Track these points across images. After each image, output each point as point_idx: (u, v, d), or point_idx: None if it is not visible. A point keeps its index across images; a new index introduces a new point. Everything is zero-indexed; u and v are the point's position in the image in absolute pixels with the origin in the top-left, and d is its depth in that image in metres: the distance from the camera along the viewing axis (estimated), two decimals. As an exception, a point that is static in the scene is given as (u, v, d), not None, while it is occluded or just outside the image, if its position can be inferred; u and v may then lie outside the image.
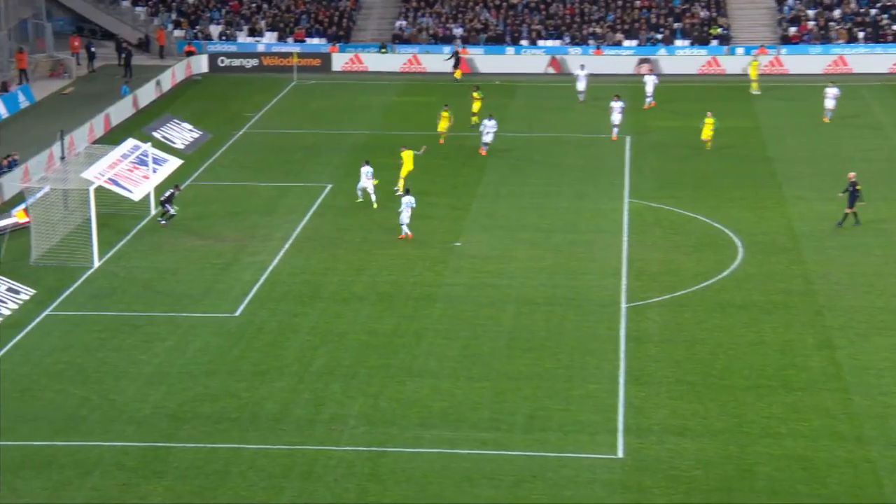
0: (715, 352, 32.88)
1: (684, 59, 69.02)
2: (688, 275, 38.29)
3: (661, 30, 71.03)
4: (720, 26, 71.09)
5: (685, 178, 49.04)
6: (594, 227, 43.00)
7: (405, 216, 40.84)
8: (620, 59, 68.84)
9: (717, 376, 31.46)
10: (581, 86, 59.35)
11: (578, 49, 69.76)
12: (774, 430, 28.69)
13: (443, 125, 52.79)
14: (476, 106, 55.29)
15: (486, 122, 51.00)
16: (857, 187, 41.65)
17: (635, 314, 35.27)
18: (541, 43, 70.95)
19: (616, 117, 53.53)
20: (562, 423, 28.91)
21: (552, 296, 36.54)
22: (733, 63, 68.47)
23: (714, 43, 70.66)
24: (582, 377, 31.33)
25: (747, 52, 69.45)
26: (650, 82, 58.71)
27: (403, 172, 45.20)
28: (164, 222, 42.43)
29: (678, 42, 70.77)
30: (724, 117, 58.96)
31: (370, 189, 44.24)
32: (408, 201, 40.91)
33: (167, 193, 42.98)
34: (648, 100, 58.61)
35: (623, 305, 35.83)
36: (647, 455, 27.53)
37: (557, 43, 70.85)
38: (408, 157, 45.45)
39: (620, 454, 27.60)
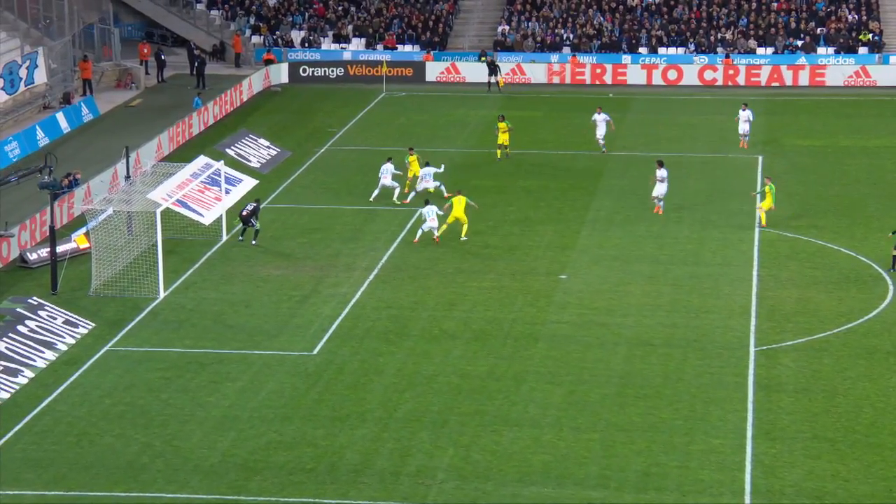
0: (860, 404, 32.27)
1: (829, 69, 68.19)
2: (828, 315, 37.68)
3: (802, 36, 70.26)
4: (871, 31, 70.04)
5: (827, 204, 48.39)
6: (720, 260, 42.60)
7: (430, 224, 43.04)
8: (754, 70, 68.30)
9: (863, 433, 30.86)
10: (600, 132, 54.13)
11: (705, 57, 69.41)
12: (928, 495, 28.07)
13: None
14: (503, 138, 52.90)
15: (424, 170, 47.84)
16: None
17: (766, 359, 34.81)
18: (661, 51, 70.70)
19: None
20: (680, 482, 28.60)
21: (670, 337, 36.23)
22: (886, 73, 67.49)
23: (863, 51, 69.70)
24: (704, 430, 30.97)
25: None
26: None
27: (450, 219, 43.87)
28: (254, 242, 43.34)
29: (821, 50, 69.94)
30: (874, 136, 58.20)
31: (387, 184, 46.92)
32: (428, 211, 43.14)
33: (249, 208, 43.73)
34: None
35: (752, 349, 35.39)
36: (779, 521, 27.12)
37: (681, 51, 70.57)
38: (458, 204, 43.68)
39: (747, 519, 27.25)
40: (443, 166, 48.97)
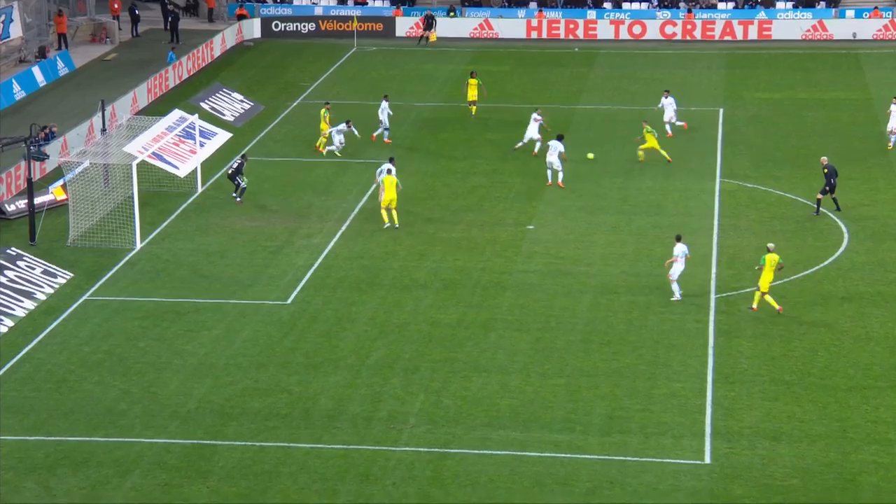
0: (815, 348, 32.55)
1: (786, 23, 68.24)
2: (786, 263, 37.80)
3: (761, -10, 70.25)
4: (827, -14, 70.10)
5: (785, 155, 48.56)
6: (682, 210, 42.72)
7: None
8: (716, 25, 68.23)
9: (818, 375, 31.16)
10: (533, 131, 47.85)
11: (667, 13, 69.28)
12: (882, 435, 28.36)
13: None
14: (472, 93, 52.22)
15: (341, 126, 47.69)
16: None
17: (726, 306, 35.01)
18: (625, 6, 70.52)
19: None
20: (643, 424, 28.82)
21: (634, 285, 36.39)
22: (841, 27, 67.55)
23: (820, 5, 69.74)
24: (666, 375, 31.19)
25: (858, 15, 68.49)
26: (668, 107, 50.47)
27: (385, 201, 40.46)
28: (238, 199, 42.80)
29: (780, 4, 69.95)
30: (831, 88, 58.33)
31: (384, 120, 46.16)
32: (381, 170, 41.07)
33: (234, 164, 43.37)
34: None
35: (713, 296, 35.59)
36: (738, 462, 27.35)
37: (644, 6, 70.40)
38: (389, 183, 40.42)
39: (708, 460, 27.45)
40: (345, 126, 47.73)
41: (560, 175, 44.09)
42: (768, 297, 34.22)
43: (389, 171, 40.99)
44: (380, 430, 28.65)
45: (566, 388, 30.48)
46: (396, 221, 40.54)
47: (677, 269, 34.99)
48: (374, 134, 49.68)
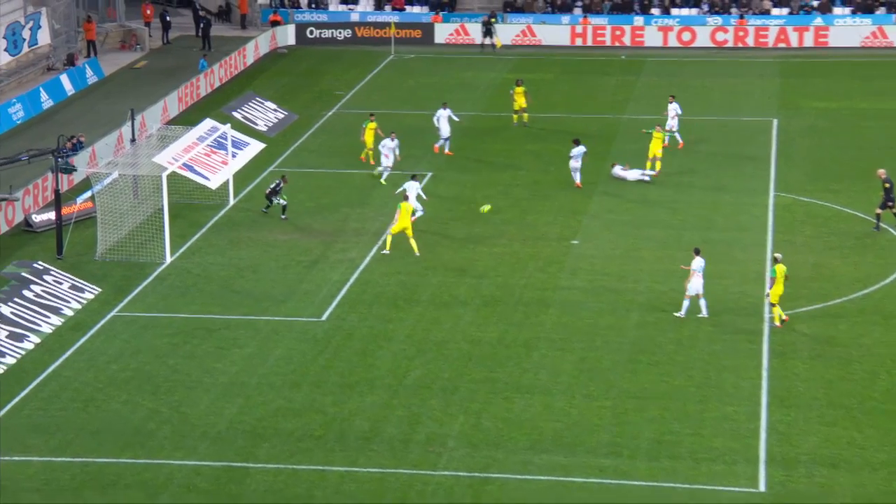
0: (876, 371, 32.24)
1: (844, 29, 67.84)
2: (844, 280, 37.60)
3: (817, -5, 69.87)
4: (888, -9, 69.64)
5: (843, 168, 48.21)
6: (734, 225, 42.48)
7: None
8: (769, 32, 67.91)
9: (879, 399, 30.85)
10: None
11: (718, 19, 69.01)
12: (945, 463, 28.05)
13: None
14: (520, 101, 52.42)
15: (386, 141, 46.07)
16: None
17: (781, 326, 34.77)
18: (675, 12, 70.31)
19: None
20: (693, 449, 28.60)
21: (683, 303, 36.17)
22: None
23: (880, 11, 69.25)
24: (717, 397, 30.95)
25: (919, 22, 68.05)
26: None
27: (396, 228, 39.55)
28: (284, 216, 42.60)
29: (837, 10, 69.53)
30: (891, 98, 57.91)
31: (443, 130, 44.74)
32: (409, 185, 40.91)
33: (273, 185, 43.17)
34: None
35: (767, 315, 35.33)
36: (794, 490, 27.10)
37: (694, 12, 70.16)
38: (405, 211, 39.20)
39: (762, 488, 27.21)
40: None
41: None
42: (777, 309, 34.07)
43: (407, 197, 39.99)
44: (417, 453, 28.57)
45: (612, 411, 30.30)
46: (416, 250, 39.13)
47: (696, 284, 34.70)
48: (437, 145, 49.41)
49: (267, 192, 43.42)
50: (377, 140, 47.43)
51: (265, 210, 43.27)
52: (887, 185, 41.20)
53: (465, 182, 46.73)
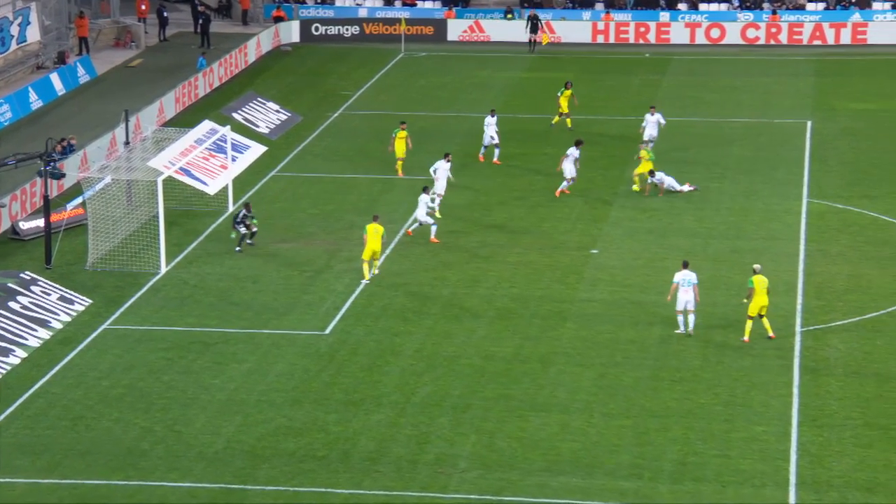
0: (914, 389, 32.28)
1: (884, 25, 67.88)
2: (882, 293, 37.60)
3: (855, -10, 69.96)
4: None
5: (881, 173, 48.25)
6: (764, 233, 42.52)
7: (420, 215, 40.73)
8: (804, 28, 67.96)
9: (916, 419, 30.89)
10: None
11: (749, 14, 69.07)
12: None
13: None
14: (565, 105, 52.66)
15: (440, 163, 43.92)
16: None
17: (814, 340, 34.77)
18: (703, 7, 70.39)
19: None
20: (719, 472, 28.63)
21: (709, 316, 36.19)
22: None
23: (920, 6, 69.37)
24: (745, 416, 30.98)
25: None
26: (652, 124, 49.77)
27: (366, 253, 38.26)
28: (238, 249, 40.51)
29: (877, 5, 69.52)
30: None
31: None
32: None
33: (240, 215, 40.95)
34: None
35: (798, 329, 35.36)
36: (826, 515, 27.16)
37: (723, 7, 70.24)
38: (374, 233, 37.96)
39: (792, 512, 27.29)
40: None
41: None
42: (749, 322, 34.16)
43: (376, 218, 38.37)
44: (426, 474, 28.63)
45: (633, 430, 30.35)
46: (376, 269, 38.47)
47: (682, 299, 34.51)
48: (484, 154, 49.26)
49: (235, 220, 41.01)
50: (408, 151, 46.87)
51: (238, 249, 40.64)
52: None
53: (480, 188, 46.85)
